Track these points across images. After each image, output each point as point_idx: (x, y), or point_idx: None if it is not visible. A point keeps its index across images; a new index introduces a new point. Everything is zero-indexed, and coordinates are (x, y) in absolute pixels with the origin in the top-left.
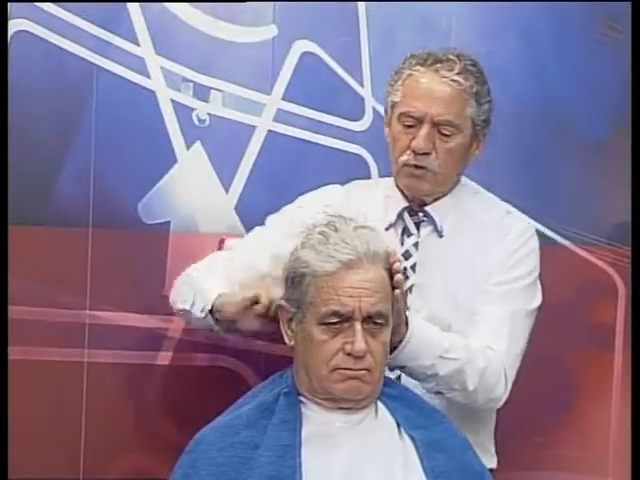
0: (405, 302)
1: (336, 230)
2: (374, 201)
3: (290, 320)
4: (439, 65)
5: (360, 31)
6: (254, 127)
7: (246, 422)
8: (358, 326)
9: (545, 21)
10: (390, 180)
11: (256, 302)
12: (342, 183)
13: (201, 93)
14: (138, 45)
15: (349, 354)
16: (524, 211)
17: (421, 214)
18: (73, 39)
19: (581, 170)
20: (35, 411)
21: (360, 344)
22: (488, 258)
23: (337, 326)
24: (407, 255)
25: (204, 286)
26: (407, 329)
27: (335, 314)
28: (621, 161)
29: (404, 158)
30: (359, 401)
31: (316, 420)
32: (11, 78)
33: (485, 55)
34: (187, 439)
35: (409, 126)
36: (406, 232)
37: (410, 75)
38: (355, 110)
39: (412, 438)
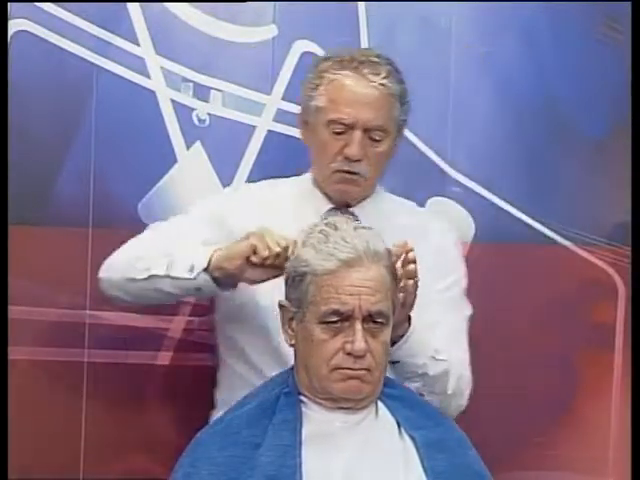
0: (415, 295)
1: (336, 229)
2: (287, 200)
3: (291, 319)
4: (366, 70)
5: (360, 31)
6: (254, 127)
7: (247, 422)
8: (358, 325)
9: (545, 21)
10: (302, 180)
11: (255, 252)
12: None
13: (201, 93)
14: (138, 45)
15: (349, 353)
16: (524, 211)
17: (347, 216)
18: (73, 39)
19: (581, 170)
20: (35, 411)
21: (360, 343)
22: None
23: (337, 325)
24: None
25: (182, 249)
26: (409, 325)
27: (335, 313)
28: (621, 161)
29: (336, 165)
30: (359, 401)
31: (316, 420)
32: (11, 78)
33: (485, 55)
34: (187, 439)
35: (339, 132)
36: None
37: (334, 80)
38: None
39: (412, 438)
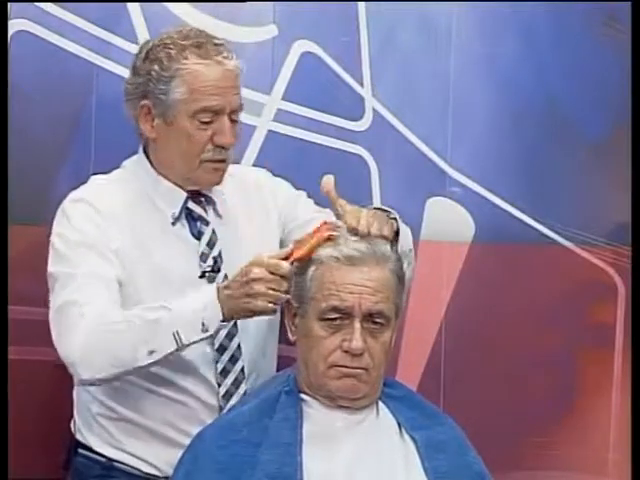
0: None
1: (344, 232)
2: (133, 205)
3: (294, 315)
4: (216, 55)
5: (360, 31)
6: (254, 127)
7: (248, 420)
8: (357, 324)
9: (545, 21)
10: (139, 174)
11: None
12: (342, 183)
13: None
14: (138, 45)
15: (347, 351)
16: (524, 211)
17: (203, 199)
18: (73, 39)
19: (581, 170)
20: (35, 411)
21: (358, 342)
22: (270, 218)
23: (337, 323)
24: (212, 244)
25: (167, 315)
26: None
27: (335, 309)
28: (621, 161)
29: (208, 155)
30: (357, 400)
31: (317, 419)
32: (11, 78)
33: (485, 55)
34: None
35: (206, 122)
36: (201, 221)
37: (189, 70)
38: (355, 110)
39: (413, 438)
